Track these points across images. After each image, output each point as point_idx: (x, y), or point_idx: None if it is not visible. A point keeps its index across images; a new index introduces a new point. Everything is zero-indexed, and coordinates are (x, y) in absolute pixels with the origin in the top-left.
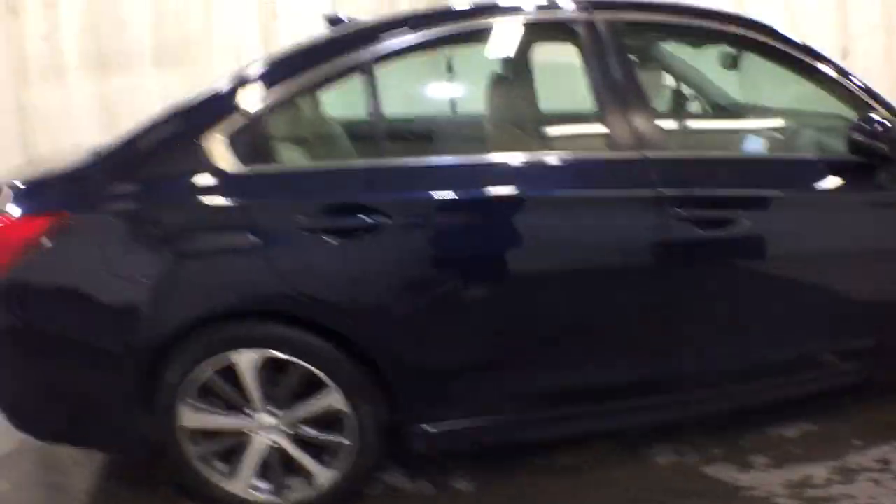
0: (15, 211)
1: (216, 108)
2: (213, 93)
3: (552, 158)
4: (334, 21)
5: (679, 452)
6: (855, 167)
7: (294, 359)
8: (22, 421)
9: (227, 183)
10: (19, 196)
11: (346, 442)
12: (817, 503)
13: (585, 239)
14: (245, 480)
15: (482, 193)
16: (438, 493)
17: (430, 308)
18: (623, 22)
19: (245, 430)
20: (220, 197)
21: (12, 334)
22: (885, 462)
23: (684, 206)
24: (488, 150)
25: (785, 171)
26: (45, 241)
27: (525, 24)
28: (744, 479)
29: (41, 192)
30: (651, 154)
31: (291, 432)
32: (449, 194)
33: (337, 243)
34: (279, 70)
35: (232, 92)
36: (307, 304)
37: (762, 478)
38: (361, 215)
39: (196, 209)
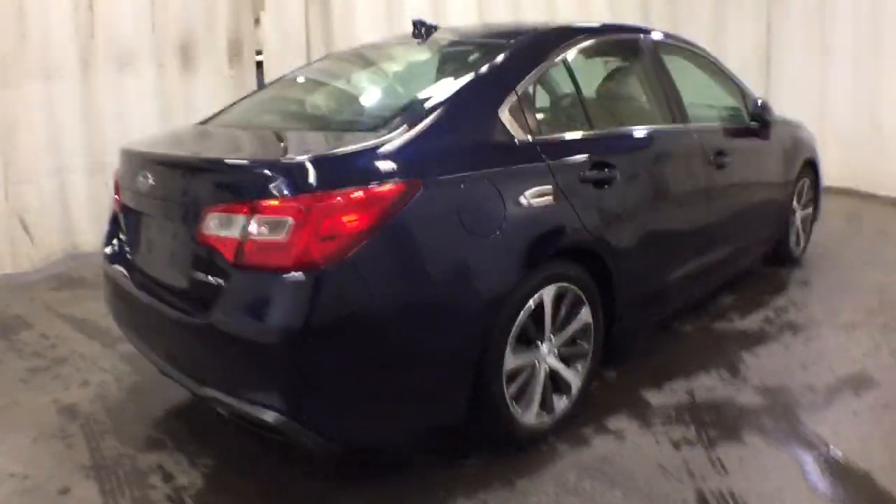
0: (343, 182)
1: (499, 87)
2: (489, 72)
3: (669, 128)
4: (420, 25)
5: (690, 323)
6: (754, 129)
7: (574, 287)
8: (347, 429)
9: (527, 148)
10: (341, 167)
11: (589, 347)
12: (786, 325)
13: (687, 176)
14: (535, 409)
15: (651, 150)
16: (598, 383)
17: (640, 229)
18: (656, 41)
19: (535, 362)
20: (531, 160)
21: (360, 321)
22: (791, 300)
23: (710, 155)
24: (643, 122)
25: (739, 132)
26: (402, 211)
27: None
28: (737, 325)
29: (372, 162)
30: (692, 126)
31: (560, 353)
32: (637, 152)
33: (598, 189)
34: (525, 57)
35: (504, 73)
36: (591, 240)
37: (744, 323)
38: (606, 169)
39: (519, 171)
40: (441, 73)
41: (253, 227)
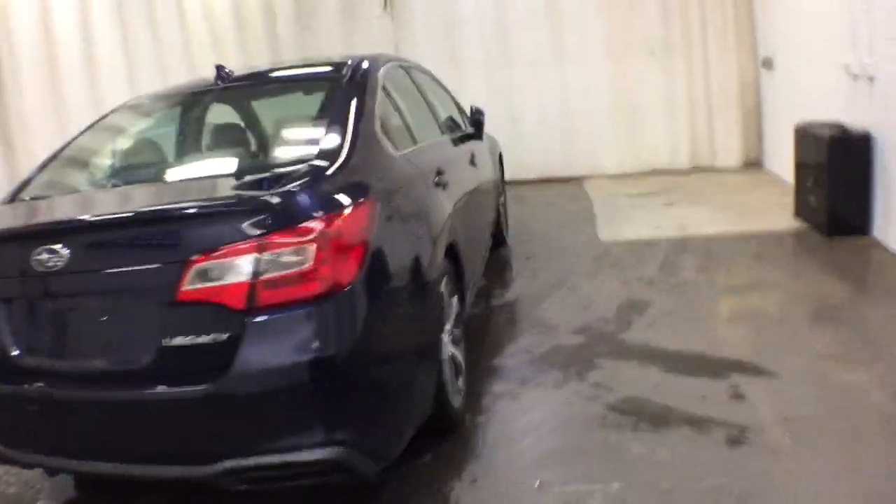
0: (337, 204)
1: (367, 111)
2: (353, 99)
3: (450, 137)
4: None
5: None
6: (472, 133)
7: (450, 279)
8: (386, 445)
9: (402, 161)
10: (326, 193)
11: (460, 332)
12: (547, 285)
13: (466, 176)
14: (454, 391)
15: (447, 156)
16: None
17: (463, 224)
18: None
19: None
20: (410, 171)
21: (376, 330)
22: (529, 269)
23: (469, 157)
24: (434, 136)
25: (469, 137)
26: (377, 224)
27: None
28: (508, 297)
29: (340, 186)
30: (454, 135)
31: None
32: (450, 159)
33: (444, 192)
34: (366, 84)
35: (363, 99)
36: (456, 235)
37: (513, 293)
38: (443, 175)
39: (410, 181)
40: (305, 106)
41: (266, 264)
